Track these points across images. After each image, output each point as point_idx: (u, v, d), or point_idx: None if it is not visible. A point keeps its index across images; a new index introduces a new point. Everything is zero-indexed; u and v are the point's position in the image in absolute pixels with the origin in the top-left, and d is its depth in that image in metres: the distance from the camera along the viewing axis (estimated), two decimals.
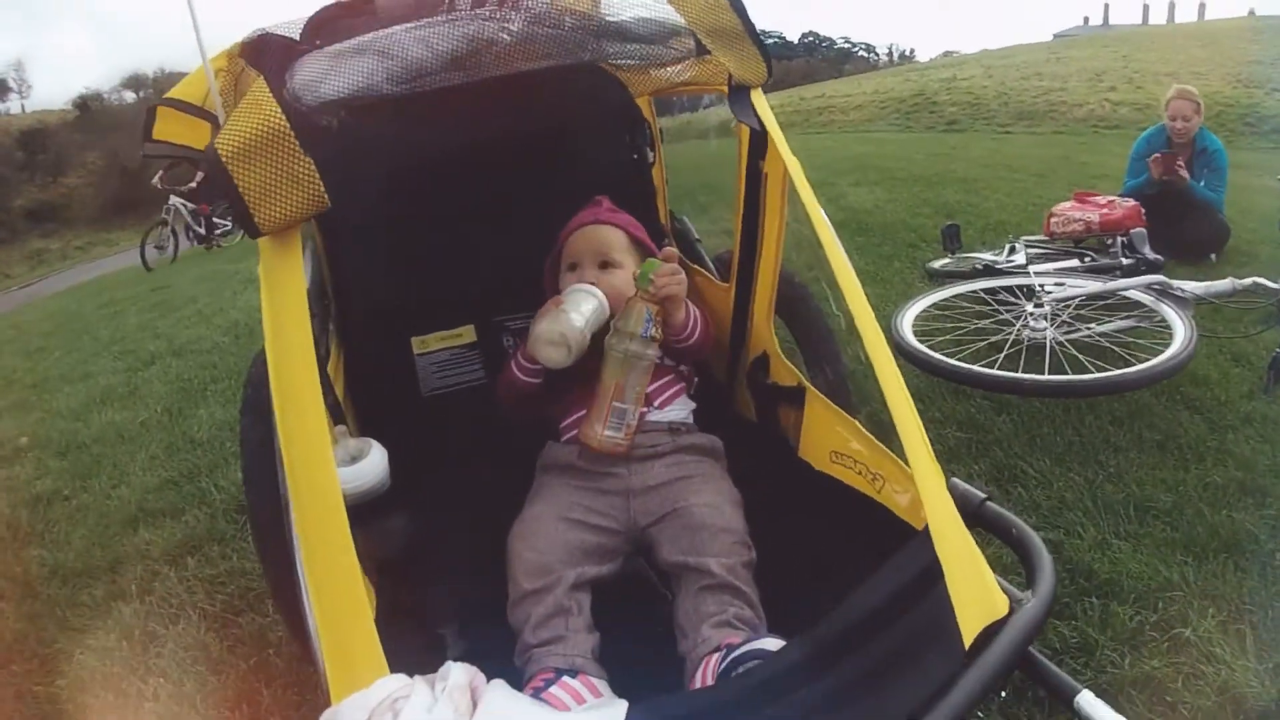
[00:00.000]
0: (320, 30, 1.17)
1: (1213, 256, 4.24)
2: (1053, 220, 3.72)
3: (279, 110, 0.99)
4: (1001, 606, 0.96)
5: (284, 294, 1.04)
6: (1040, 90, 20.08)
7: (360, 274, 1.59)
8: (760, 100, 1.31)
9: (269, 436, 1.08)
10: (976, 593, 0.96)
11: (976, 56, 30.11)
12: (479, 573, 1.19)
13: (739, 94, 1.32)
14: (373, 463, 1.22)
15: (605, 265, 1.45)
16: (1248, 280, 2.72)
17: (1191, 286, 2.72)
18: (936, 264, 3.81)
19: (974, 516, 1.12)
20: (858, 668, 0.92)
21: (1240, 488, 2.09)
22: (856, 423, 1.34)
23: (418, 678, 0.86)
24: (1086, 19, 59.16)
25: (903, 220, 5.32)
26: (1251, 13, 38.21)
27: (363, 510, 1.16)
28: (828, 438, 1.38)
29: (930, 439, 1.35)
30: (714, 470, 1.34)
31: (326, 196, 1.03)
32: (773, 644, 1.01)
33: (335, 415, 1.34)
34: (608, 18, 1.23)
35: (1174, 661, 1.52)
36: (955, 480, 1.16)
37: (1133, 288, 2.71)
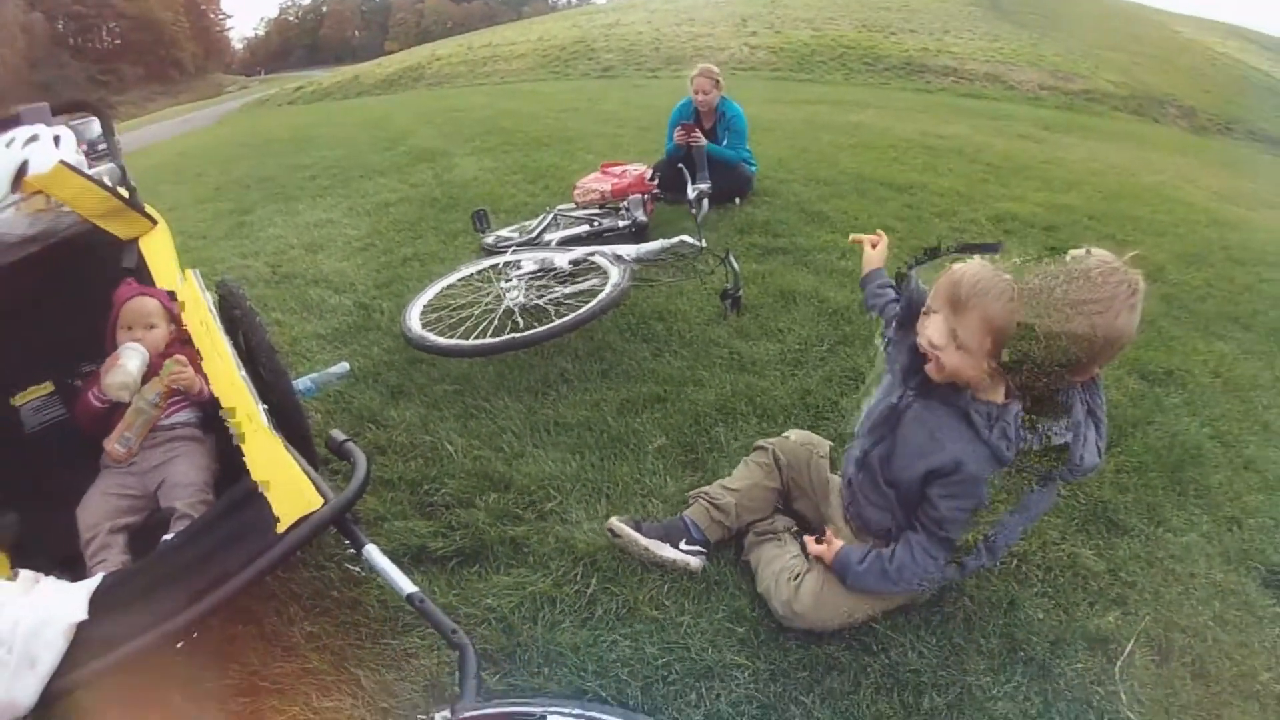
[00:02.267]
0: None
1: (737, 200, 5.47)
2: (576, 191, 4.61)
3: None
4: (315, 503, 1.69)
5: None
6: (690, 35, 22.17)
7: None
8: (153, 239, 2.41)
9: None
10: (292, 497, 1.71)
11: (644, 1, 32.09)
12: (70, 535, 2.01)
13: (128, 245, 2.40)
14: None
15: (149, 327, 2.30)
16: (675, 239, 3.67)
17: (629, 250, 3.62)
18: (489, 239, 4.54)
19: (337, 450, 1.90)
20: (217, 535, 1.72)
21: (649, 399, 3.01)
22: (260, 409, 2.02)
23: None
24: None
25: (491, 191, 6.07)
26: None
27: None
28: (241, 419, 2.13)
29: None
30: (194, 450, 2.25)
31: None
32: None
33: None
34: (16, 228, 2.21)
35: (538, 526, 2.34)
36: (335, 430, 1.96)
37: (598, 255, 3.55)
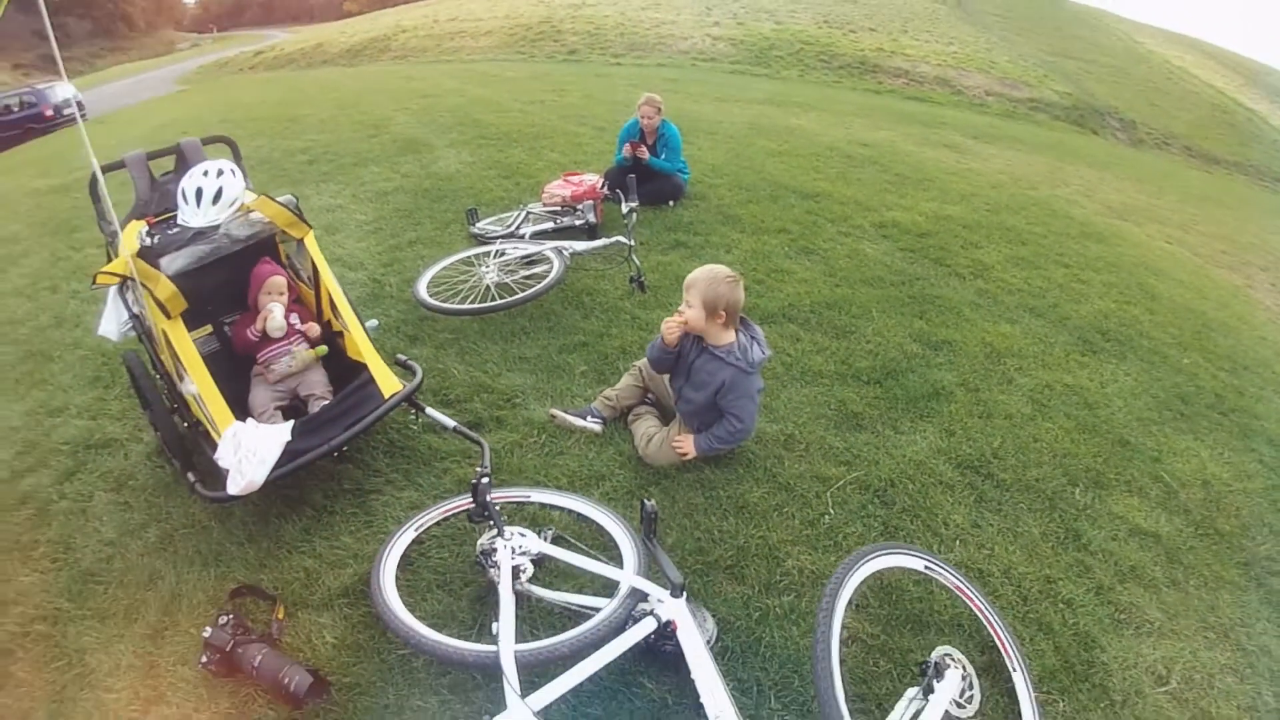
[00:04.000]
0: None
1: (671, 203, 7.26)
2: (544, 195, 6.36)
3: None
4: (398, 385, 3.51)
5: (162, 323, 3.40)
6: (654, 22, 23.72)
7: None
8: (310, 238, 3.88)
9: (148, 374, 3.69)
10: (387, 382, 3.52)
11: None
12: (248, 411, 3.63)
13: (300, 244, 3.89)
14: None
15: (280, 293, 3.81)
16: (613, 239, 5.48)
17: (580, 246, 5.41)
18: (476, 229, 6.27)
19: (403, 365, 3.74)
20: (349, 402, 3.51)
21: (578, 344, 4.77)
22: (368, 337, 3.74)
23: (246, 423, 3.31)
24: None
25: (472, 185, 7.78)
26: None
27: None
28: (362, 346, 3.78)
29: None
30: (318, 367, 3.91)
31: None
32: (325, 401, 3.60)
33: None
34: (242, 232, 3.66)
35: (512, 411, 4.08)
36: (400, 355, 3.79)
37: (546, 249, 5.31)
